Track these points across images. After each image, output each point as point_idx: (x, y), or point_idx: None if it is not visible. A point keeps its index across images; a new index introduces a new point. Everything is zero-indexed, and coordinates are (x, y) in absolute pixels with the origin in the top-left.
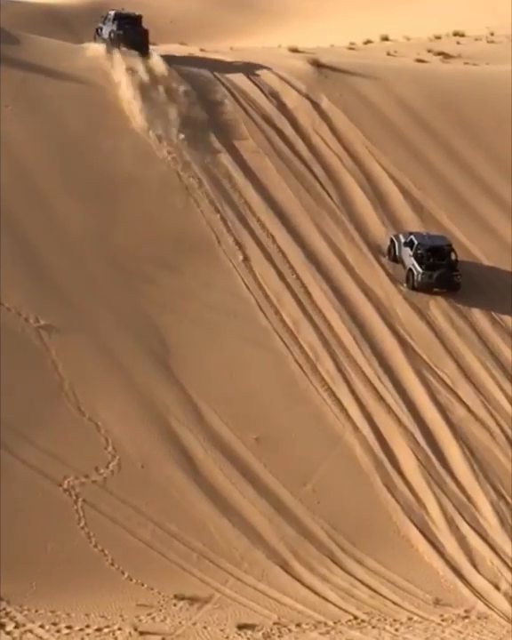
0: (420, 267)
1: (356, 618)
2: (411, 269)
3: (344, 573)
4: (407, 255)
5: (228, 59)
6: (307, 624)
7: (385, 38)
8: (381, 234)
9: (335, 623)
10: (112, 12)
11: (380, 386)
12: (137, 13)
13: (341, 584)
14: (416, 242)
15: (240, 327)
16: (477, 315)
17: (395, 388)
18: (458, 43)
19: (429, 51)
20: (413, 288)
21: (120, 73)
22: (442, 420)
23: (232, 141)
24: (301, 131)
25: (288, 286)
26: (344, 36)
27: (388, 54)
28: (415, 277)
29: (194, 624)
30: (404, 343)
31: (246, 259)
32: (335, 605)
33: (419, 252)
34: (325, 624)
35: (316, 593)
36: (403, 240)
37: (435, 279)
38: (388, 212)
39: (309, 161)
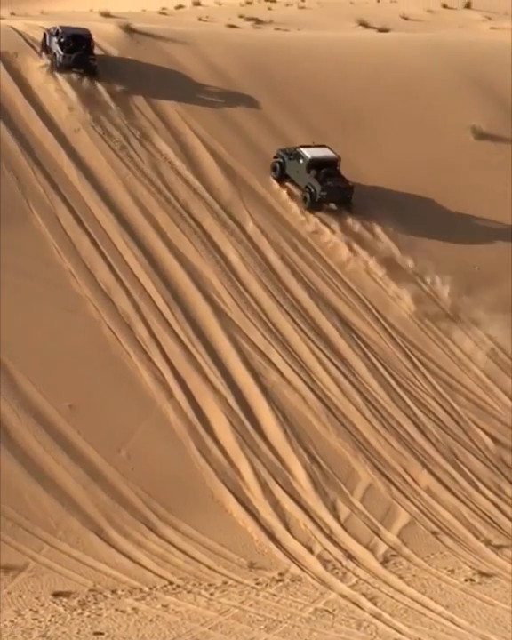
0: (62, 50)
1: (171, 583)
2: (55, 54)
3: (159, 539)
4: (54, 43)
5: (40, 23)
6: (122, 590)
7: (197, 3)
8: (193, 199)
9: (151, 589)
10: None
11: (194, 351)
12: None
13: (156, 550)
14: (60, 31)
15: (53, 294)
16: (292, 284)
17: (208, 354)
18: (269, 8)
19: (241, 16)
20: (57, 68)
21: None
22: (255, 385)
23: (44, 108)
24: None
25: (101, 253)
26: (156, 1)
27: (200, 19)
28: (58, 59)
29: (9, 593)
30: (216, 308)
31: (59, 226)
32: (150, 571)
33: (62, 39)
34: (141, 590)
35: (131, 559)
36: (52, 33)
37: (72, 61)
38: (200, 177)
39: (122, 126)
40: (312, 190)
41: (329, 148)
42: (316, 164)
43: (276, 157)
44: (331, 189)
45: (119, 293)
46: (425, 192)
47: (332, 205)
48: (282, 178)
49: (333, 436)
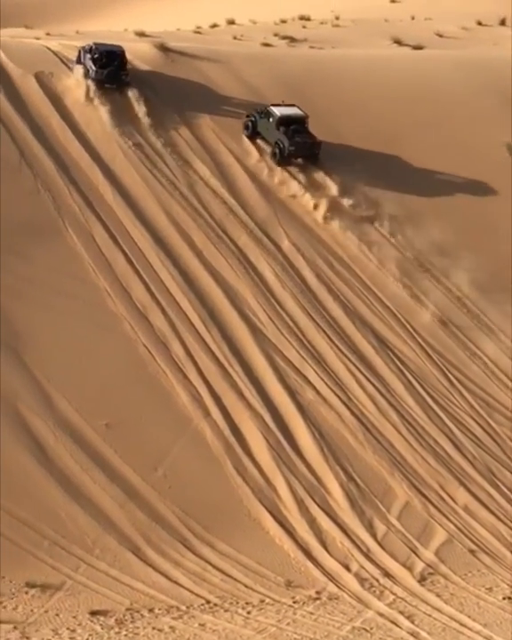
0: (95, 66)
1: (208, 602)
2: (89, 70)
3: (196, 558)
4: (88, 59)
5: (75, 42)
6: (159, 609)
7: (231, 22)
8: (228, 217)
9: (188, 607)
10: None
11: (230, 369)
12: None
13: (193, 568)
14: (94, 47)
15: (88, 312)
16: (329, 302)
17: (244, 372)
18: (304, 27)
19: (276, 34)
20: (90, 83)
21: None
22: (291, 403)
23: (79, 127)
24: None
25: (136, 271)
26: (190, 20)
27: (235, 38)
28: (91, 75)
29: (46, 611)
30: (252, 326)
31: (95, 244)
32: (187, 590)
33: (95, 55)
34: (178, 608)
35: (168, 578)
36: (87, 49)
37: (105, 76)
38: (235, 195)
39: (157, 145)
40: (281, 145)
41: (298, 107)
42: (284, 121)
43: (248, 116)
44: (298, 145)
45: (155, 312)
46: (463, 210)
47: (299, 160)
48: (253, 135)
49: (370, 454)
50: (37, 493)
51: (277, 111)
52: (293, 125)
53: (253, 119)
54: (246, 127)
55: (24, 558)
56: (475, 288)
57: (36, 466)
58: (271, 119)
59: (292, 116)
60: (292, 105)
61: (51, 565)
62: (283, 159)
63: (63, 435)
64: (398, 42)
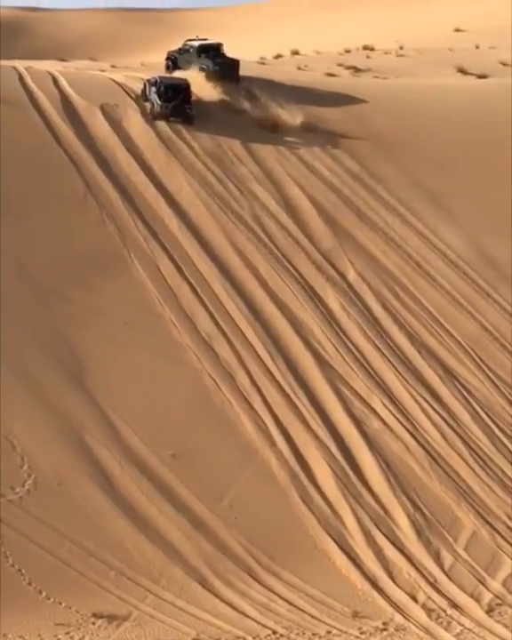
0: (160, 99)
1: (274, 632)
2: (153, 103)
3: (262, 588)
4: (152, 93)
5: (140, 74)
6: (225, 639)
7: (295, 52)
8: (294, 247)
9: (254, 638)
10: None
11: (296, 399)
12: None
13: (260, 599)
14: (159, 81)
15: (154, 343)
16: (394, 332)
17: (309, 402)
18: (368, 56)
19: (340, 64)
20: (154, 118)
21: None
22: (357, 433)
23: (144, 158)
24: None
25: (202, 301)
26: (254, 51)
27: (299, 68)
28: (156, 108)
29: None
30: (318, 357)
31: (160, 274)
32: (254, 620)
33: (160, 89)
34: (244, 639)
35: (234, 608)
36: (152, 82)
37: (170, 110)
38: (301, 226)
39: (221, 175)
40: (206, 68)
41: (210, 40)
42: (204, 49)
43: (167, 58)
44: (220, 65)
45: (220, 342)
46: None
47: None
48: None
49: (436, 484)
50: (103, 524)
51: (196, 43)
52: (212, 51)
53: (173, 58)
54: (167, 68)
55: (91, 589)
56: None
57: (101, 496)
58: (191, 50)
59: (209, 45)
60: (205, 39)
61: (117, 596)
62: (209, 79)
63: (129, 465)
64: (462, 71)
